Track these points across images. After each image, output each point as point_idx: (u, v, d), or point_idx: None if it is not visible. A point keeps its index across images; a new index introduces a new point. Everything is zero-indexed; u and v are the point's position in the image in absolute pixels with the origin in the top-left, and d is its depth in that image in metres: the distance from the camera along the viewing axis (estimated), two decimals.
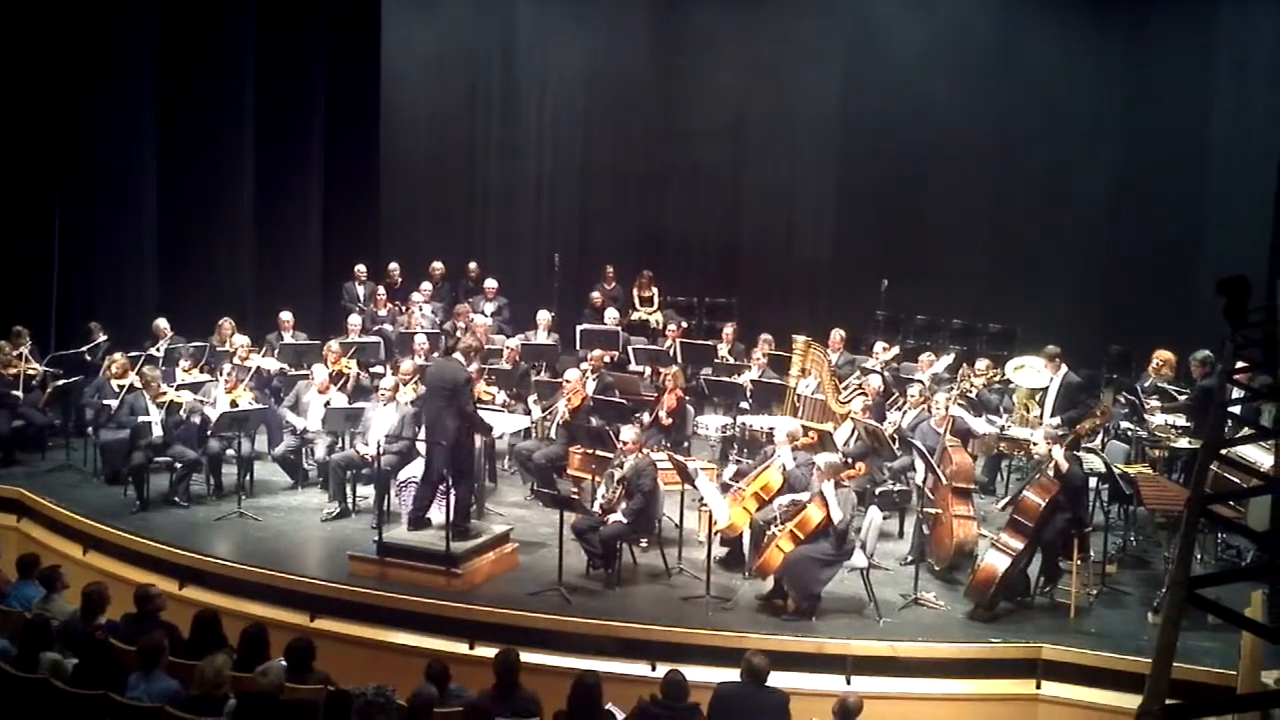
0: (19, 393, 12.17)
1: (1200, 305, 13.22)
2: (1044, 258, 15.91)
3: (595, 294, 15.71)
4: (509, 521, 10.69)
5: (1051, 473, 9.27)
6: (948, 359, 13.09)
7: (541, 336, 14.12)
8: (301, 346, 13.39)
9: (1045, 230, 16.00)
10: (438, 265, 15.89)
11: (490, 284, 15.57)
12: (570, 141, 17.89)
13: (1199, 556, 9.39)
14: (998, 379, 12.51)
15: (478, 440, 10.78)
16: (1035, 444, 9.87)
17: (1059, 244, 15.96)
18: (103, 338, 13.12)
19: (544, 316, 14.33)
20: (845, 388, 12.23)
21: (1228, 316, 4.89)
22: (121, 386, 11.54)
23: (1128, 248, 15.61)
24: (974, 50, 16.20)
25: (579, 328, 14.59)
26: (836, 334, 13.39)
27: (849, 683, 8.46)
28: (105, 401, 11.67)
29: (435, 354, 13.14)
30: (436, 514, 9.90)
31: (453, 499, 9.55)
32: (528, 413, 12.24)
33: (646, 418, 11.63)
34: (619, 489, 9.78)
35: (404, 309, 14.90)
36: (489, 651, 8.01)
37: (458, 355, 10.27)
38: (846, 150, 16.94)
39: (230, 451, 11.50)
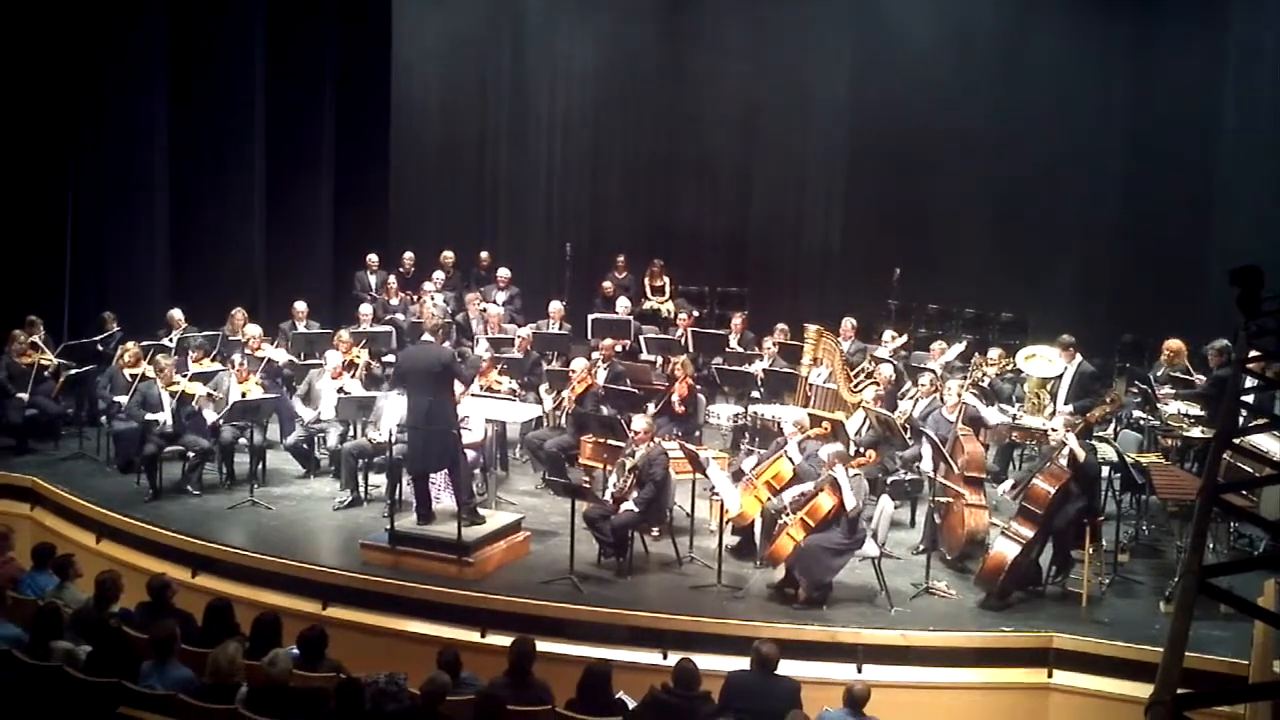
0: (25, 395, 12.15)
1: (1210, 294, 13.17)
2: (1053, 247, 15.85)
3: (606, 283, 15.70)
4: (520, 510, 10.69)
5: (1064, 461, 9.24)
6: (959, 347, 13.07)
7: (553, 326, 14.12)
8: (313, 336, 13.42)
9: (1054, 220, 15.93)
10: (449, 254, 15.87)
11: (503, 273, 15.55)
12: (580, 131, 17.89)
13: (1211, 545, 9.36)
14: (1010, 368, 12.48)
15: (487, 428, 10.86)
16: (1054, 430, 9.81)
17: (1068, 233, 15.91)
18: (116, 328, 13.16)
19: (556, 307, 14.33)
20: (857, 377, 12.22)
21: (1241, 306, 4.85)
22: (133, 376, 11.57)
23: (1138, 237, 15.53)
24: (982, 40, 16.18)
25: (590, 317, 14.59)
26: (848, 322, 13.37)
27: (860, 671, 8.44)
28: (116, 398, 11.69)
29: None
30: (447, 500, 9.92)
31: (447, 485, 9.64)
32: (539, 402, 12.25)
33: (652, 407, 11.60)
34: (630, 478, 9.77)
35: (416, 298, 14.90)
36: (501, 640, 8.05)
37: (428, 336, 9.93)
38: (856, 139, 16.92)
39: (242, 440, 11.54)
